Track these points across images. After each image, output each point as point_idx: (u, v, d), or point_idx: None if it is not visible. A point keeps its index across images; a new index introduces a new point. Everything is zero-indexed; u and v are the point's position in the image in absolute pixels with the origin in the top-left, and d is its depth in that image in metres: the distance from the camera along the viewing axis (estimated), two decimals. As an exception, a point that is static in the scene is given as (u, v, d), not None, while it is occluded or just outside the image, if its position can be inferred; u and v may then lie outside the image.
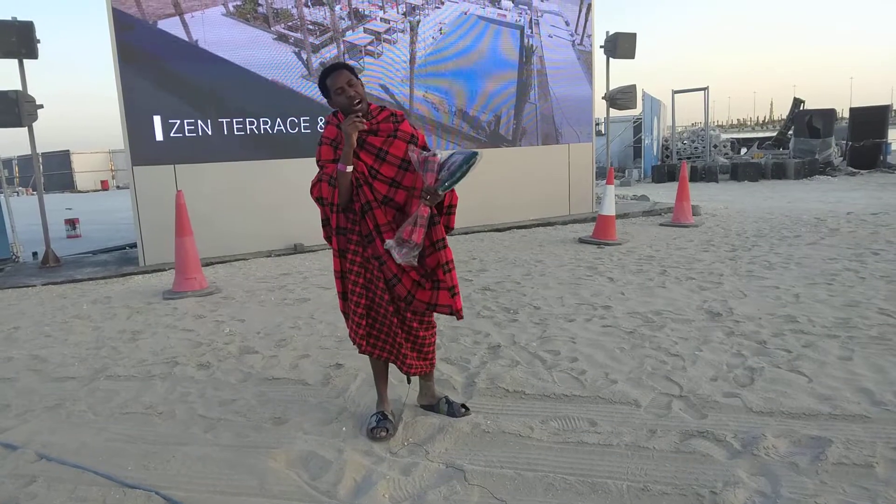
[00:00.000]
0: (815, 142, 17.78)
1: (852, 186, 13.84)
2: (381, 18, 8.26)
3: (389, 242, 2.66)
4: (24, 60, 7.18)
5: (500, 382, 3.40)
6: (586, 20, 9.93)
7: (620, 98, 10.54)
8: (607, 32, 10.40)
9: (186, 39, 7.19)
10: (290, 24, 7.74)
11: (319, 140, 2.85)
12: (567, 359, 3.74)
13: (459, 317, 2.87)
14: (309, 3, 7.80)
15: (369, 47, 8.21)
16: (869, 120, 17.73)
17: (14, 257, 8.22)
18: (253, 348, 4.24)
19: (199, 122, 7.37)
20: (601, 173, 11.97)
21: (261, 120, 7.67)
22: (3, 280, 7.00)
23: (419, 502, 2.36)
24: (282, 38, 7.70)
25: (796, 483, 2.35)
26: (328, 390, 3.46)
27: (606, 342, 4.01)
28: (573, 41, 9.85)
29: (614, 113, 11.08)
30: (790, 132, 20.60)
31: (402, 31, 8.42)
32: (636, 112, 17.00)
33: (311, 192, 2.84)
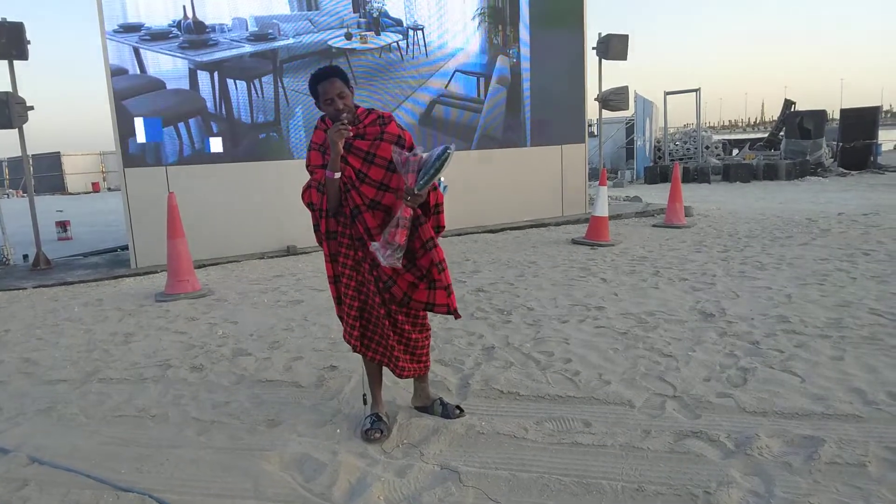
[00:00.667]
0: (806, 143, 17.89)
1: (843, 187, 13.93)
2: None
3: (374, 245, 2.65)
4: (15, 62, 7.14)
5: (495, 384, 3.40)
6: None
7: (613, 99, 10.57)
8: (599, 34, 10.44)
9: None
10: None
11: (308, 145, 2.86)
12: (561, 360, 3.75)
13: (457, 316, 2.87)
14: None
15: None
16: (859, 121, 17.88)
17: (4, 260, 8.16)
18: (246, 350, 4.23)
19: (191, 123, 7.34)
20: (594, 174, 11.99)
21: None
22: (-7, 283, 6.95)
23: (414, 504, 2.36)
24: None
25: (790, 483, 2.36)
26: (322, 392, 3.45)
27: (600, 343, 4.02)
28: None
29: (607, 114, 11.12)
30: (781, 133, 20.73)
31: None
32: (628, 113, 17.07)
33: (302, 198, 2.85)
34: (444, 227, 2.89)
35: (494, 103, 9.32)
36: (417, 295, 2.82)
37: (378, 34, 8.33)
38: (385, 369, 3.08)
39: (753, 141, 24.59)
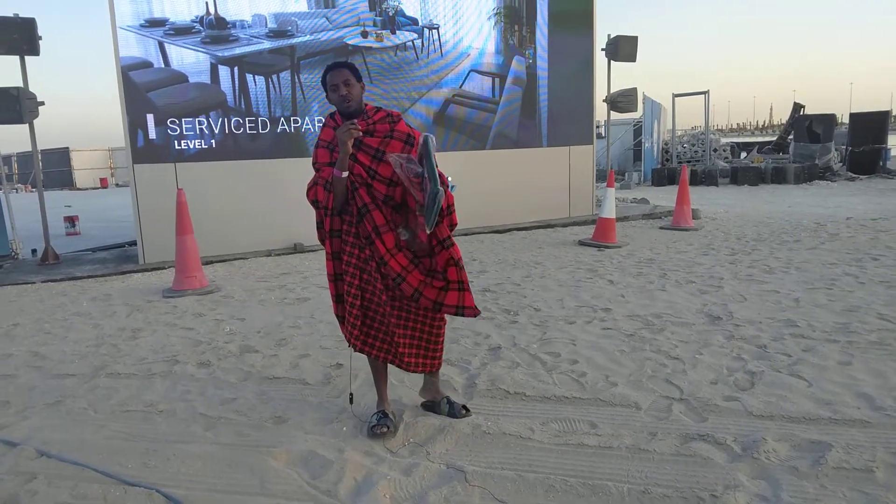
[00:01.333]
0: (814, 147, 17.81)
1: (852, 192, 13.87)
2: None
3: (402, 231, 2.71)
4: (26, 57, 7.18)
5: (501, 384, 3.40)
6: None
7: (621, 101, 10.56)
8: (609, 35, 10.42)
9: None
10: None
11: (316, 142, 2.87)
12: (567, 361, 3.74)
13: (472, 314, 2.87)
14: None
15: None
16: (868, 125, 17.76)
17: (13, 254, 8.21)
18: (253, 347, 4.24)
19: (201, 120, 7.37)
20: (601, 176, 11.98)
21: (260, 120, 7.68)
22: (2, 277, 7.00)
23: (420, 503, 2.36)
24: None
25: (797, 487, 2.35)
26: (329, 390, 3.46)
27: (607, 345, 4.01)
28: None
29: (615, 116, 11.10)
30: (790, 137, 20.64)
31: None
32: (637, 115, 17.02)
33: (308, 195, 2.86)
34: (456, 223, 2.90)
35: (508, 103, 9.33)
36: (428, 292, 2.82)
37: (393, 32, 8.35)
38: (392, 369, 3.09)
39: (762, 144, 24.49)
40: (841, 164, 18.42)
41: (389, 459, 2.67)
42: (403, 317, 2.88)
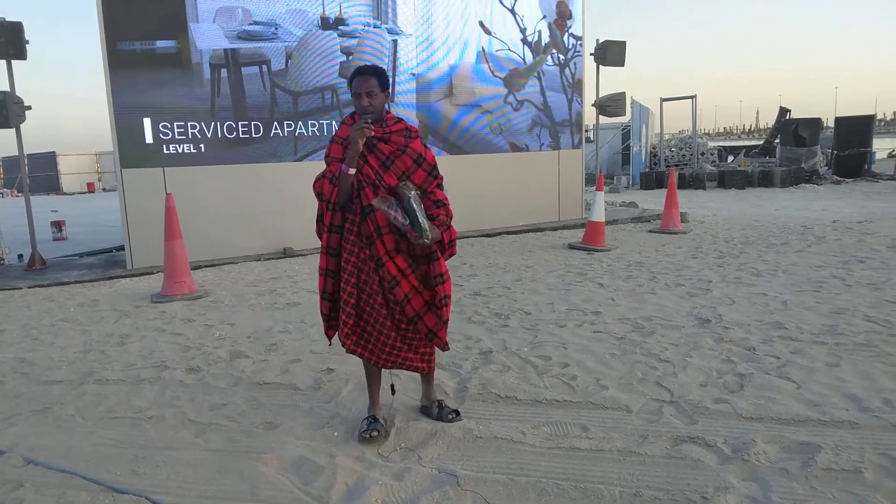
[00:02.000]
0: (801, 150, 17.99)
1: (838, 195, 14.01)
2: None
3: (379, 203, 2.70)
4: (13, 61, 7.13)
5: (492, 388, 3.40)
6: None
7: (610, 105, 10.61)
8: (597, 40, 10.49)
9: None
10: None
11: (332, 137, 2.92)
12: (558, 364, 3.75)
13: (440, 345, 2.96)
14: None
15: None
16: (854, 129, 17.98)
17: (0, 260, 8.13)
18: (243, 352, 4.22)
19: (190, 124, 7.34)
20: (590, 180, 12.03)
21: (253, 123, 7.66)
22: (-12, 282, 6.92)
23: (412, 507, 2.35)
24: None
25: (786, 488, 2.36)
26: (320, 395, 3.44)
27: (597, 348, 4.03)
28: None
29: (603, 120, 11.16)
30: (776, 141, 20.84)
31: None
32: (625, 119, 17.11)
33: (314, 186, 2.90)
34: (454, 253, 3.01)
35: (498, 107, 9.37)
36: (415, 301, 2.84)
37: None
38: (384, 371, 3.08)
39: (748, 148, 24.70)
40: (827, 167, 18.62)
41: (381, 464, 2.66)
42: (398, 318, 2.88)
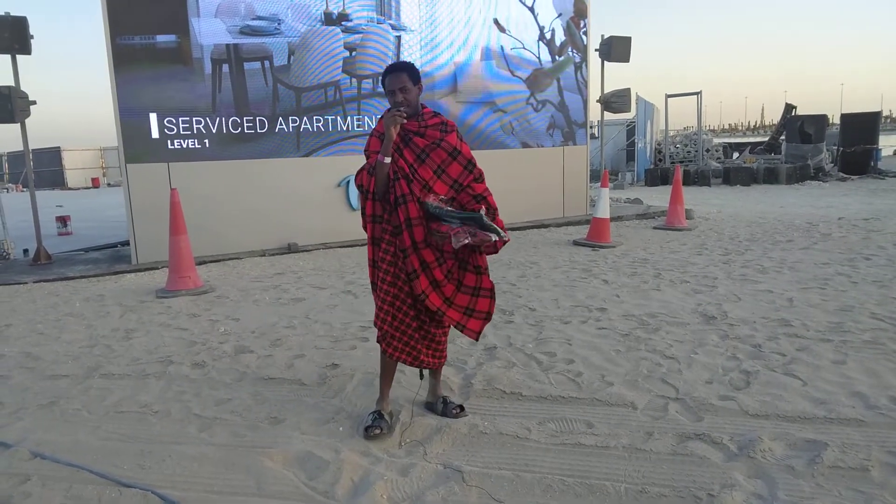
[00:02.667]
0: (806, 147, 17.92)
1: (843, 192, 13.95)
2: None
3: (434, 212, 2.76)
4: (18, 56, 7.14)
5: (497, 384, 3.40)
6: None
7: (615, 101, 10.59)
8: (602, 36, 10.45)
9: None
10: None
11: (371, 131, 2.96)
12: (563, 360, 3.75)
13: (473, 337, 2.98)
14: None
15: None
16: (860, 126, 17.89)
17: (5, 254, 8.16)
18: (248, 347, 4.23)
19: (195, 119, 7.34)
20: (595, 176, 12.00)
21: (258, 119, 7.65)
22: (-7, 277, 6.94)
23: (417, 503, 2.36)
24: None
25: (793, 486, 2.36)
26: (324, 390, 3.45)
27: (602, 344, 4.02)
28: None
29: (608, 116, 11.14)
30: (782, 137, 20.76)
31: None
32: (630, 115, 17.08)
33: (355, 179, 2.96)
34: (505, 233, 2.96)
35: (508, 103, 9.35)
36: (433, 297, 2.84)
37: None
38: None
39: (754, 145, 24.63)
40: (832, 164, 18.54)
41: (386, 460, 2.66)
42: (416, 311, 2.89)
